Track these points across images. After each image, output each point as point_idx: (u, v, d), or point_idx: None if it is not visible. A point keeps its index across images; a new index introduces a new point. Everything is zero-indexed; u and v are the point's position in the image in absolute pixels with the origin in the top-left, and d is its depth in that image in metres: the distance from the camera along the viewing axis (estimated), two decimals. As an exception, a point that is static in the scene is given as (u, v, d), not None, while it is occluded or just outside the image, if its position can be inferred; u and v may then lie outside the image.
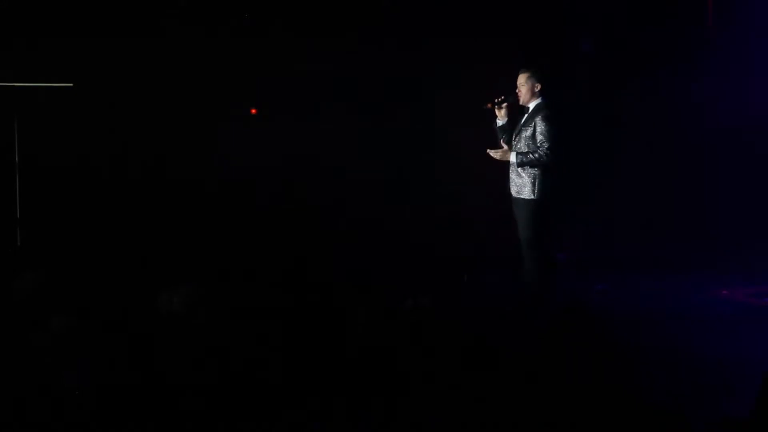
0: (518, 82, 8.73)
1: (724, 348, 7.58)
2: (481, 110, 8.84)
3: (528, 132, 8.64)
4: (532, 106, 8.71)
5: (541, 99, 8.69)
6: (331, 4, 11.09)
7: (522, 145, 8.64)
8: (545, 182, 8.59)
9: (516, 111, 8.84)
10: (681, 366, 7.00)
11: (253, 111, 11.44)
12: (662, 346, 7.52)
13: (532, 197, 8.60)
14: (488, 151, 8.71)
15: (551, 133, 8.55)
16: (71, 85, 10.65)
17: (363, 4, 11.12)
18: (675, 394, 6.09)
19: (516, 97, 8.75)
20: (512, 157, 8.62)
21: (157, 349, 5.07)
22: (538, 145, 8.55)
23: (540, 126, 8.58)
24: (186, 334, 5.35)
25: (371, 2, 11.18)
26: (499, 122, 8.83)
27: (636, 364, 6.40)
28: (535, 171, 8.59)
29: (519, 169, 8.63)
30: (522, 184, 8.64)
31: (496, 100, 8.77)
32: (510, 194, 8.78)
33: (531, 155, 8.54)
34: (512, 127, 8.80)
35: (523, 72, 8.73)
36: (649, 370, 6.60)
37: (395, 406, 4.67)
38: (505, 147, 8.69)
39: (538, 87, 8.69)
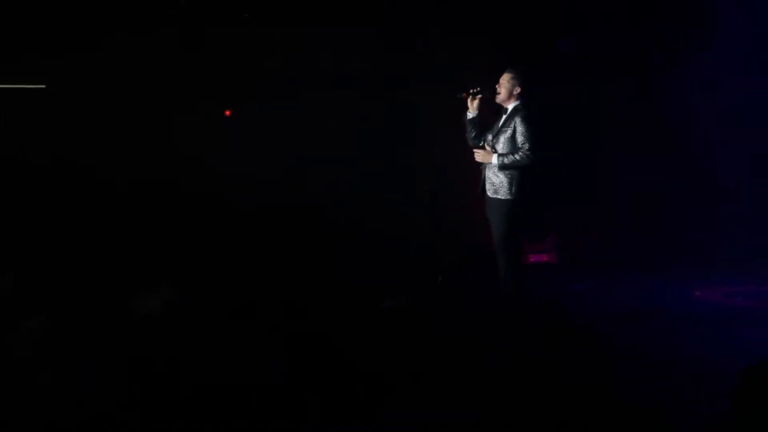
0: (501, 79, 8.70)
1: (698, 348, 7.63)
2: (455, 99, 8.81)
3: (508, 133, 8.63)
4: (510, 107, 8.70)
5: (520, 101, 8.68)
6: (318, 3, 11.07)
7: (501, 147, 8.64)
8: (522, 183, 8.58)
9: (489, 106, 8.81)
10: (656, 366, 7.03)
11: (227, 113, 11.41)
12: (636, 346, 7.55)
13: (509, 197, 8.59)
14: (474, 150, 8.69)
15: (531, 134, 8.54)
16: (44, 86, 10.61)
17: (347, 4, 11.11)
18: (650, 393, 6.13)
19: (492, 91, 8.71)
20: (494, 159, 8.60)
21: (135, 349, 5.07)
22: (519, 146, 8.55)
23: (520, 127, 8.56)
24: (163, 335, 5.34)
25: (358, 2, 11.16)
26: (470, 114, 8.78)
27: (611, 364, 6.42)
28: (513, 171, 8.58)
29: (496, 169, 8.61)
30: (499, 184, 8.62)
31: (471, 91, 8.72)
32: (483, 194, 8.76)
33: (512, 156, 8.53)
34: (482, 121, 8.78)
35: (508, 72, 8.69)
36: (623, 370, 6.63)
37: (376, 406, 4.69)
38: (488, 148, 8.67)
39: (518, 90, 8.66)
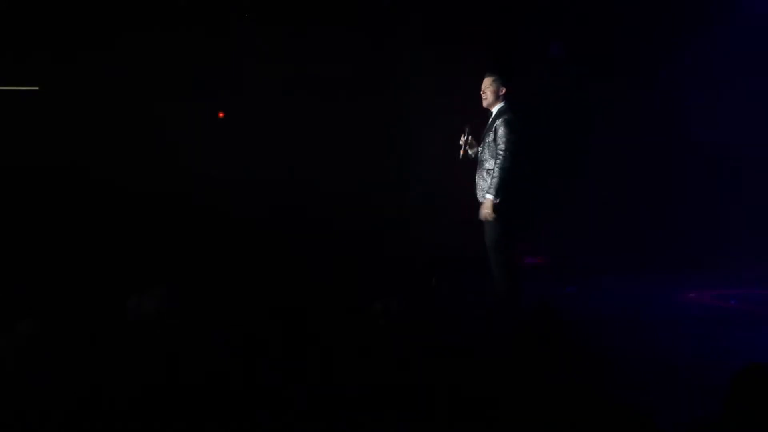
0: (483, 85, 8.71)
1: (692, 350, 7.63)
2: (460, 160, 8.77)
3: (490, 137, 8.63)
4: (495, 110, 8.71)
5: (504, 103, 8.69)
6: (305, 6, 11.08)
7: (485, 152, 8.64)
8: (513, 185, 8.57)
9: (482, 116, 8.84)
10: (649, 368, 7.04)
11: (221, 114, 11.41)
12: (630, 349, 7.55)
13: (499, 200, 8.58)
14: (481, 216, 8.60)
15: (509, 137, 8.49)
16: (37, 88, 10.61)
17: (335, 8, 11.12)
18: (643, 395, 6.13)
19: (470, 126, 8.72)
20: (489, 197, 8.54)
21: (129, 350, 5.06)
22: (498, 151, 8.53)
23: (500, 130, 8.54)
24: (155, 338, 5.34)
25: (350, 4, 11.17)
26: (471, 151, 8.80)
27: (604, 366, 6.43)
28: (503, 174, 8.56)
29: (485, 173, 8.61)
30: (488, 188, 8.61)
31: (461, 143, 8.72)
32: (476, 198, 8.77)
33: (495, 178, 8.45)
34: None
35: (489, 76, 8.71)
36: (616, 371, 6.64)
37: (367, 408, 4.69)
38: (484, 202, 8.58)
39: (503, 90, 8.67)
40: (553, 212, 11.28)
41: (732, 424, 4.25)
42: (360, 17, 11.25)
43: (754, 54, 11.26)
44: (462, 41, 11.29)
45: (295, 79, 11.20)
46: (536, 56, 11.51)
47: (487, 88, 8.68)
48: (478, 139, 8.76)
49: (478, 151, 8.71)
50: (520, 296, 8.60)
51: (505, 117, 8.58)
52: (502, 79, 8.67)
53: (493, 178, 8.48)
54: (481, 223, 8.76)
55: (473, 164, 8.75)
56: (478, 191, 8.70)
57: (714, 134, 11.42)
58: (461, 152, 8.74)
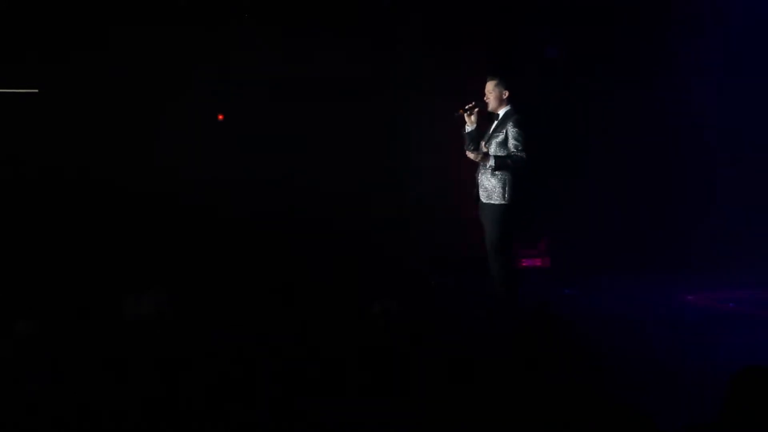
0: (486, 90, 8.78)
1: (691, 353, 7.62)
2: (452, 117, 8.84)
3: (500, 138, 8.66)
4: (501, 112, 8.75)
5: (510, 106, 8.73)
6: (304, 7, 11.07)
7: (492, 151, 8.66)
8: (515, 187, 8.60)
9: (484, 117, 8.87)
10: (649, 368, 7.04)
11: (220, 117, 11.40)
12: (630, 349, 7.55)
13: (502, 201, 8.61)
14: (467, 152, 8.70)
15: (524, 139, 8.58)
16: (36, 90, 10.60)
17: (335, 9, 11.11)
18: (643, 395, 6.12)
19: (485, 103, 8.79)
20: (491, 161, 8.62)
21: (125, 352, 5.06)
22: (513, 150, 8.57)
23: (512, 132, 8.60)
24: (155, 338, 5.34)
25: (348, 5, 11.16)
26: (468, 128, 8.83)
27: (604, 366, 6.43)
28: (505, 175, 8.60)
29: (489, 174, 8.63)
30: (492, 189, 8.64)
31: (466, 107, 8.77)
32: (477, 199, 8.78)
33: (508, 160, 8.56)
34: (480, 133, 8.82)
35: (491, 80, 8.78)
36: (616, 371, 6.63)
37: (366, 408, 4.69)
38: (485, 150, 8.69)
39: (506, 94, 8.74)
40: (553, 212, 11.27)
41: (731, 425, 4.25)
42: (360, 17, 11.23)
43: (755, 53, 11.24)
44: (462, 41, 11.29)
45: (294, 79, 11.19)
46: (536, 56, 11.50)
47: (490, 92, 8.76)
48: (481, 131, 8.77)
49: (481, 148, 8.71)
50: (519, 296, 8.62)
51: (516, 118, 8.64)
52: (504, 83, 8.72)
53: (505, 164, 8.50)
54: (481, 224, 8.78)
55: (474, 164, 8.76)
56: (481, 191, 8.72)
57: (714, 134, 11.41)
58: (460, 111, 8.75)
